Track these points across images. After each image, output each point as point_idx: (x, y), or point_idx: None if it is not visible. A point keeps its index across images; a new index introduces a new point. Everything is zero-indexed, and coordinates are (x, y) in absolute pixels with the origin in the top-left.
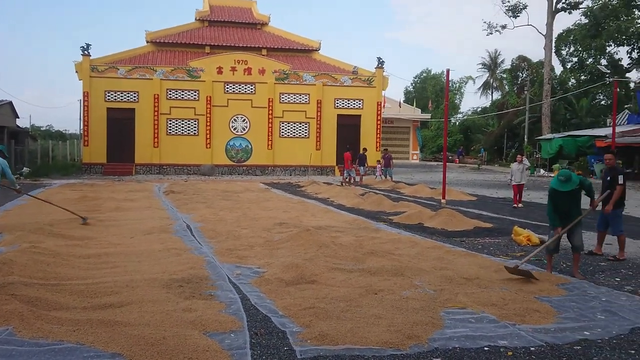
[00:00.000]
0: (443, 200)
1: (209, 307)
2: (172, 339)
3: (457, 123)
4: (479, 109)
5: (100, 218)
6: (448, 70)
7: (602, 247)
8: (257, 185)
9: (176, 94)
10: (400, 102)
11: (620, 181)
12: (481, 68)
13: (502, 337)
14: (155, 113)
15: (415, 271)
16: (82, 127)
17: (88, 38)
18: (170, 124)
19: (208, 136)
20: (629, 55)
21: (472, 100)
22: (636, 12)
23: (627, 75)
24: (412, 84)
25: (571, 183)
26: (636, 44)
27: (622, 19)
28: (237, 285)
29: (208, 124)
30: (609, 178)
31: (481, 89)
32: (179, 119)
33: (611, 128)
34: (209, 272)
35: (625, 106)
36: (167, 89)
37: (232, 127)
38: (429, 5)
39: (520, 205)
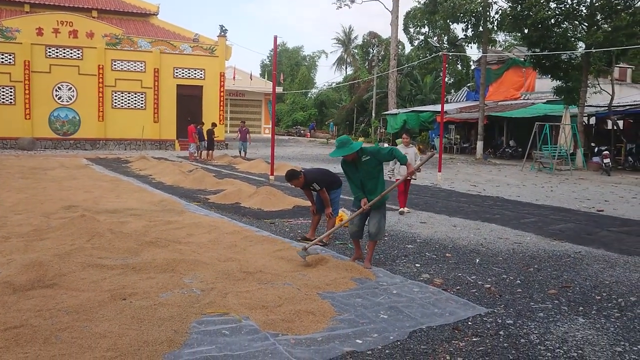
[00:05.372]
0: (271, 177)
1: None
2: None
3: (313, 97)
4: (334, 84)
5: None
6: (275, 37)
7: (315, 231)
8: (78, 161)
9: None
10: (251, 75)
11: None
12: (335, 43)
13: (252, 356)
14: None
15: (192, 265)
16: None
17: None
18: None
19: (27, 106)
20: (464, 32)
21: (327, 75)
22: None
23: (469, 53)
24: (268, 57)
25: (345, 149)
26: (470, 22)
27: None
28: None
29: (27, 91)
30: None
31: (336, 64)
32: None
33: (451, 104)
34: None
35: (468, 85)
36: None
37: (56, 96)
38: None
39: (406, 209)
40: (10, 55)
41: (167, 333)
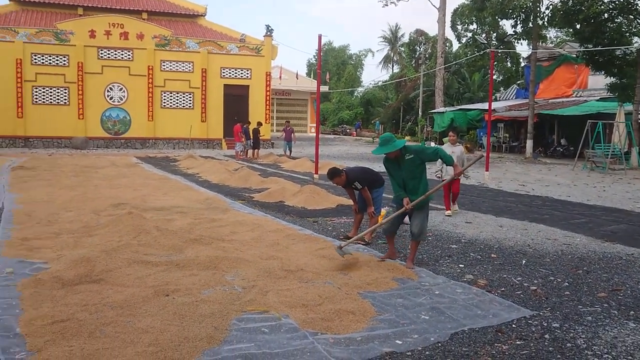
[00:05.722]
0: (316, 176)
1: None
2: None
3: (359, 96)
4: (380, 83)
5: None
6: (320, 36)
7: (357, 230)
8: (128, 160)
9: (42, 59)
10: (297, 74)
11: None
12: (382, 41)
13: (291, 354)
14: (19, 80)
15: (234, 262)
16: None
17: None
18: (36, 92)
19: (81, 106)
20: (513, 29)
21: (374, 74)
22: None
23: (518, 50)
24: (314, 56)
25: (388, 146)
26: (519, 18)
27: None
28: None
29: (80, 92)
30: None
31: (382, 63)
32: (47, 87)
33: (500, 102)
34: None
35: (518, 82)
36: (32, 53)
37: (108, 96)
38: None
39: (455, 208)
40: (64, 57)
41: (207, 329)
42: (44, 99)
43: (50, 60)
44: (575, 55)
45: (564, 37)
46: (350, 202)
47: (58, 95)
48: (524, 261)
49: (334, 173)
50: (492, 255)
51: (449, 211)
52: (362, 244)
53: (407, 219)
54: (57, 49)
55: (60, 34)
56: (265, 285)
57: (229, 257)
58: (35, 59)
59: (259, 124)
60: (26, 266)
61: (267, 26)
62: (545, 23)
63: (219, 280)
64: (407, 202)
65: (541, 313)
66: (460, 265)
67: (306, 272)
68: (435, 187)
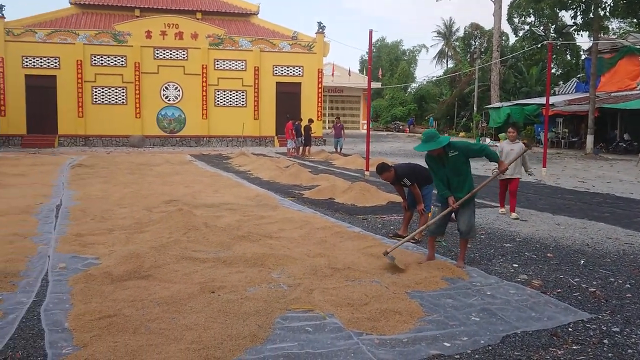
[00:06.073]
0: (367, 173)
1: None
2: None
3: (412, 92)
4: (434, 78)
5: None
6: (371, 32)
7: (407, 228)
8: (182, 157)
9: (101, 60)
10: (349, 71)
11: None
12: (436, 36)
13: (334, 355)
14: (79, 80)
15: (281, 260)
16: None
17: None
18: (95, 92)
19: (137, 105)
20: (573, 20)
21: (428, 69)
22: None
23: (578, 42)
24: (367, 53)
25: (431, 143)
26: (579, 8)
27: None
28: (48, 284)
29: (137, 92)
30: None
31: (436, 58)
32: (105, 87)
33: (559, 96)
34: (27, 266)
35: (578, 76)
36: (92, 55)
37: (164, 95)
38: None
39: (514, 216)
40: (122, 58)
41: (251, 328)
42: (102, 98)
43: (108, 61)
44: (639, 47)
45: (627, 27)
46: (401, 199)
47: (116, 95)
48: (582, 261)
49: (382, 168)
50: (548, 254)
51: (502, 209)
52: (412, 242)
53: (453, 216)
54: (115, 49)
55: (118, 35)
56: (311, 283)
57: (275, 254)
58: (94, 60)
59: (310, 121)
60: (78, 261)
61: (319, 23)
62: (607, 13)
63: (265, 278)
64: (452, 200)
65: (600, 316)
66: (514, 265)
67: (353, 271)
68: (481, 183)
